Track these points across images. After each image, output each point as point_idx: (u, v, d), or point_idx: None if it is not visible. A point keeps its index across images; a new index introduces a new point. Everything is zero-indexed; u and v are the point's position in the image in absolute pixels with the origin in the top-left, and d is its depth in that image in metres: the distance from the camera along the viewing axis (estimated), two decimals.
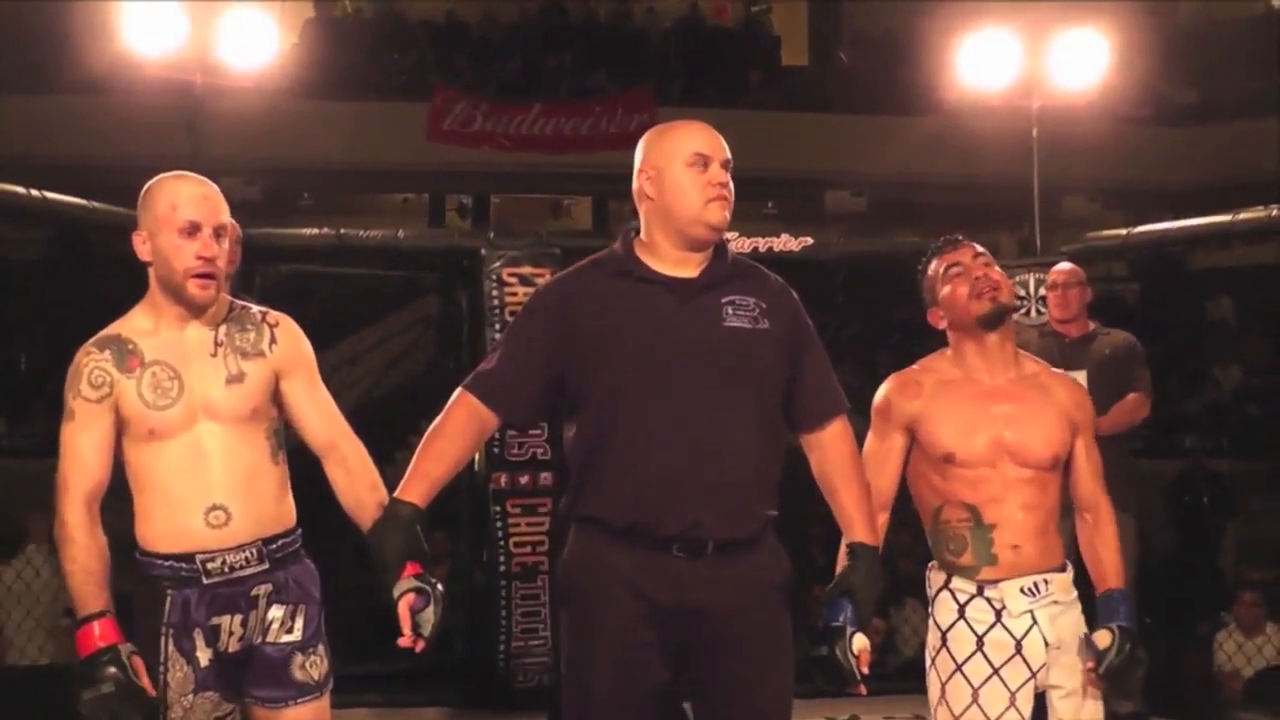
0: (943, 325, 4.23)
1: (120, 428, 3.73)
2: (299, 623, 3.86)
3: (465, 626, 8.07)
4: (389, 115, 18.89)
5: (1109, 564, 4.21)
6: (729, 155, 3.82)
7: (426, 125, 18.99)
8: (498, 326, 7.73)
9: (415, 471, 3.74)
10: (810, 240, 8.54)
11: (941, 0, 17.57)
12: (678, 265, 3.80)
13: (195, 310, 3.79)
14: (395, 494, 3.73)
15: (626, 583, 3.70)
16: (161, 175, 3.86)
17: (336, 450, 3.93)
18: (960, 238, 4.27)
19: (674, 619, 3.70)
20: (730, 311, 3.77)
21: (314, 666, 3.89)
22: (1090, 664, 4.06)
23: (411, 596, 3.66)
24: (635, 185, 3.87)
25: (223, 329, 3.84)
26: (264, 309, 3.99)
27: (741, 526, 3.74)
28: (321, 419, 3.96)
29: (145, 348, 3.75)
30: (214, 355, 3.79)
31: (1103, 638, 4.05)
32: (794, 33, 23.38)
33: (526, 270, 7.87)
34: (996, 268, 4.18)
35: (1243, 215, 8.09)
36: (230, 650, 3.78)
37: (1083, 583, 4.26)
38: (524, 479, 7.78)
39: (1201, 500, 12.49)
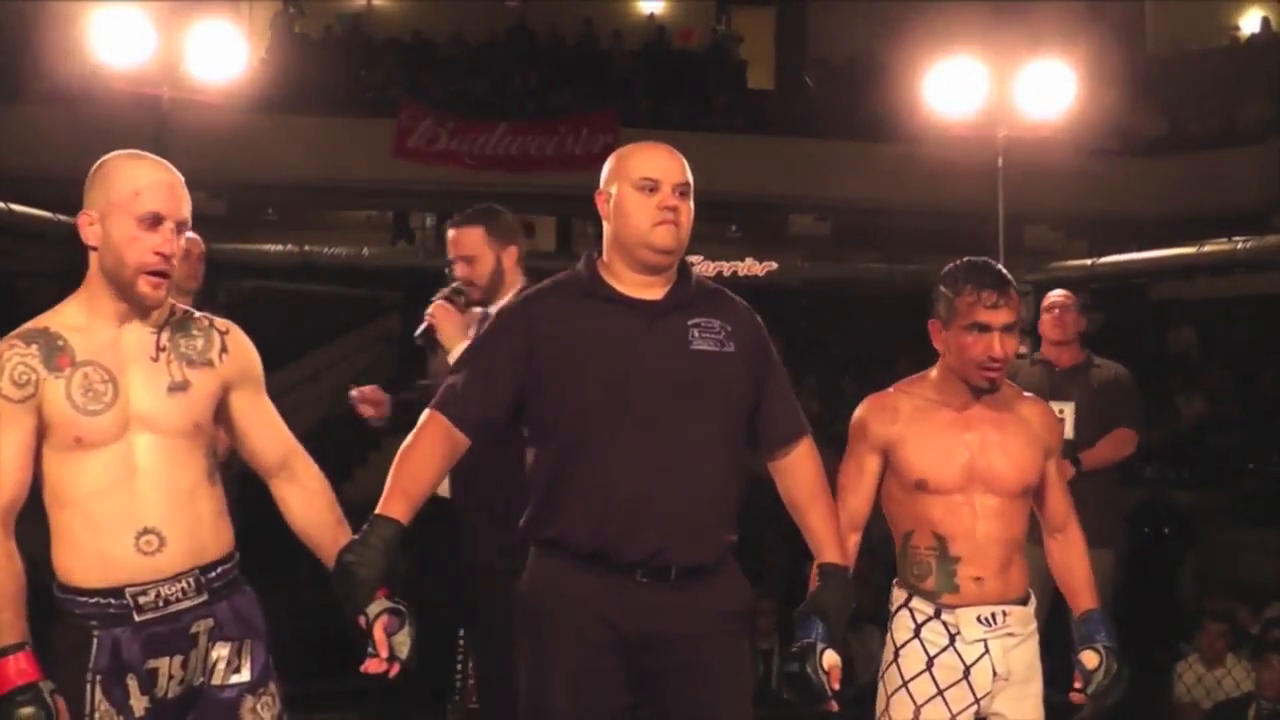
0: (938, 343, 4.15)
1: (41, 434, 3.28)
2: (246, 661, 3.47)
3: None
4: (355, 132, 18.86)
5: (1083, 583, 4.26)
6: (688, 179, 3.77)
7: (392, 142, 18.97)
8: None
9: (395, 488, 3.57)
10: (775, 265, 8.52)
11: (909, 28, 17.65)
12: (640, 287, 3.76)
13: (139, 310, 3.37)
14: (377, 510, 3.52)
15: (590, 609, 3.65)
16: (119, 152, 3.44)
17: (288, 468, 3.62)
18: (1009, 287, 4.07)
19: (637, 645, 3.67)
20: (697, 334, 3.73)
21: (265, 708, 3.50)
22: (1078, 684, 4.10)
23: (386, 618, 3.47)
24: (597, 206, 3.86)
25: (165, 332, 3.42)
26: (208, 314, 3.59)
27: (705, 552, 3.71)
28: (273, 435, 3.63)
29: (77, 345, 3.30)
30: (155, 360, 3.37)
31: (1090, 658, 4.11)
32: (760, 57, 23.44)
33: None
34: (1015, 338, 4.10)
35: (1207, 247, 8.13)
36: (170, 696, 3.35)
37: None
38: None
39: (1161, 531, 12.51)
